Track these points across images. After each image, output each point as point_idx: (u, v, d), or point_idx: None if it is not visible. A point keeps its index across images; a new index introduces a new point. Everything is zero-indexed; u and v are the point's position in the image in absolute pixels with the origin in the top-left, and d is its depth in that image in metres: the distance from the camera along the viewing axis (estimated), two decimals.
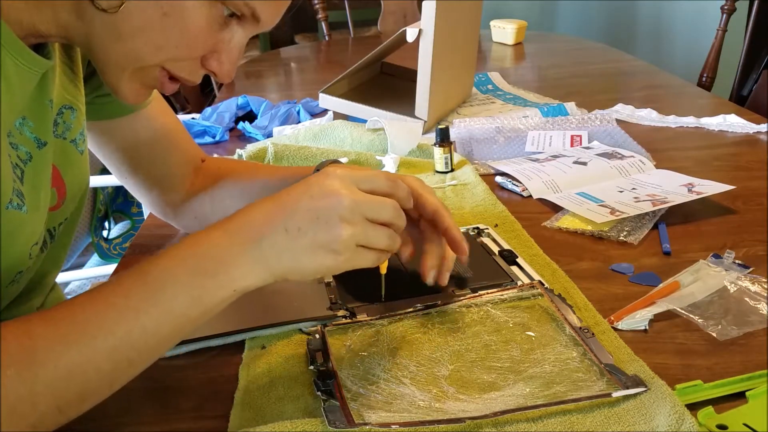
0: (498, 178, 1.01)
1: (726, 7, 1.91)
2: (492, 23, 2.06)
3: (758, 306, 0.66)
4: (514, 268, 0.74)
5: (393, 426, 0.51)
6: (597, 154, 1.05)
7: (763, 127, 1.17)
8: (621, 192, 0.93)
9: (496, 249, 0.78)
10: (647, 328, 0.64)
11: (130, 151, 0.79)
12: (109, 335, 0.48)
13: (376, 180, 0.56)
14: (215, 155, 1.15)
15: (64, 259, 0.75)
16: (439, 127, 1.04)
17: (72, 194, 0.68)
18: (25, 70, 0.56)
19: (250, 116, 1.39)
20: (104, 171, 1.87)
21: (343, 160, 1.04)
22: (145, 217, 0.99)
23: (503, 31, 2.03)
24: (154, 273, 0.51)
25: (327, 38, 2.46)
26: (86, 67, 0.71)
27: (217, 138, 1.27)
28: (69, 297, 0.94)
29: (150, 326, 0.49)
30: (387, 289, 0.69)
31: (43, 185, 0.61)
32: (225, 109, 1.37)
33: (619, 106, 1.33)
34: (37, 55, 0.57)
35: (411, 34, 1.19)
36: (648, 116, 1.28)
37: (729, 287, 0.69)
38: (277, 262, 0.52)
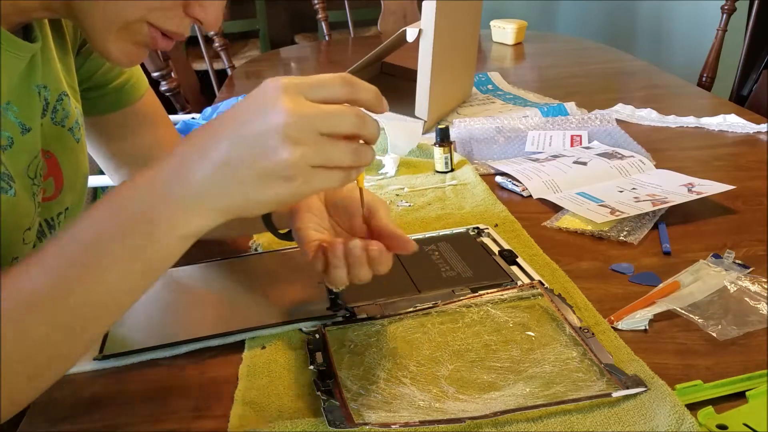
0: (498, 178, 1.01)
1: (726, 7, 1.91)
2: (492, 23, 2.06)
3: (758, 306, 0.66)
4: (514, 268, 0.74)
5: (393, 426, 0.51)
6: (597, 154, 1.05)
7: (763, 127, 1.17)
8: (621, 192, 0.93)
9: (496, 249, 0.78)
10: (647, 328, 0.64)
11: (117, 146, 0.78)
12: (58, 309, 0.46)
13: (329, 85, 0.48)
14: None
15: None
16: (439, 127, 1.04)
17: (70, 183, 0.67)
18: (9, 55, 0.55)
19: None
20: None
21: None
22: None
23: (503, 31, 2.03)
24: (87, 237, 0.47)
25: (327, 38, 2.46)
26: (77, 56, 0.70)
27: None
28: None
29: (96, 295, 0.47)
30: (387, 286, 0.70)
31: (23, 171, 0.60)
32: (225, 108, 1.36)
33: (619, 106, 1.33)
34: (22, 40, 0.56)
35: (411, 34, 1.19)
36: (648, 116, 1.28)
37: (729, 287, 0.69)
38: (222, 199, 0.47)
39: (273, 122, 0.45)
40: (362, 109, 0.49)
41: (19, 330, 0.45)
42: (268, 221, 0.64)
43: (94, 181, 1.55)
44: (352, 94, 0.49)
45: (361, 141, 0.49)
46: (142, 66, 1.77)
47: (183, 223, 0.47)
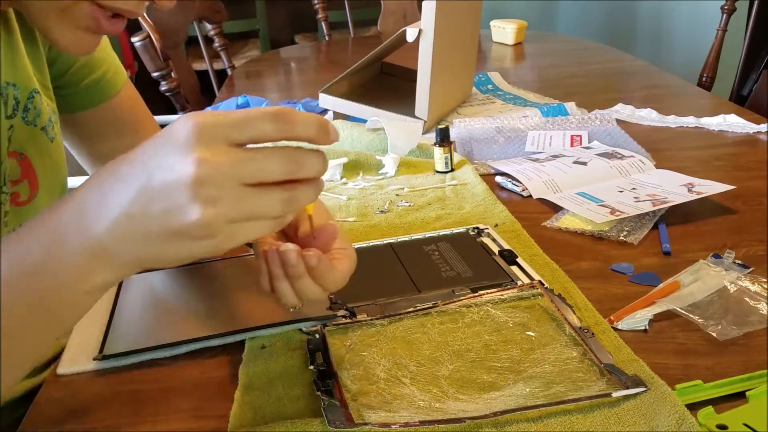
0: (498, 178, 1.01)
1: (726, 7, 1.91)
2: (492, 23, 2.06)
3: (758, 306, 0.66)
4: (514, 268, 0.74)
5: (393, 426, 0.51)
6: (597, 154, 1.05)
7: (763, 127, 1.17)
8: (621, 192, 0.93)
9: (496, 249, 0.78)
10: (647, 328, 0.64)
11: (98, 147, 0.75)
12: None
13: (257, 123, 0.40)
14: None
15: None
16: (439, 127, 1.04)
17: (46, 186, 0.64)
18: None
19: None
20: None
21: (343, 159, 1.04)
22: None
23: (503, 31, 2.03)
24: None
25: (327, 38, 2.46)
26: (49, 51, 0.68)
27: None
28: None
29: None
30: (387, 286, 0.70)
31: None
32: (225, 108, 1.37)
33: (619, 106, 1.33)
34: None
35: (411, 34, 1.19)
36: (648, 116, 1.28)
37: (729, 287, 0.69)
38: (127, 253, 0.41)
39: (181, 175, 0.38)
40: (302, 144, 0.43)
41: None
42: None
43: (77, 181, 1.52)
44: (286, 131, 0.41)
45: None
46: (140, 65, 1.75)
47: (85, 277, 0.42)
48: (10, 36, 0.59)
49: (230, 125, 0.40)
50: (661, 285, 0.70)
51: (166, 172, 0.39)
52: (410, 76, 1.30)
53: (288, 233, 0.58)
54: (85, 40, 0.52)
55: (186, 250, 0.41)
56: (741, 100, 1.83)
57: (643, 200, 0.88)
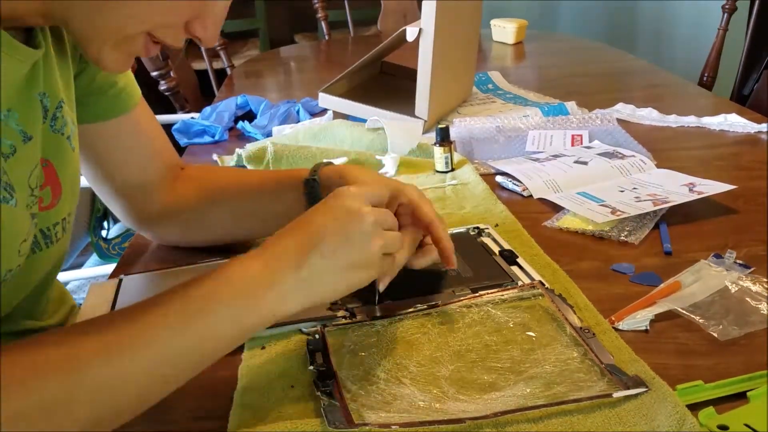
0: (498, 178, 1.00)
1: (727, 7, 1.91)
2: (492, 22, 2.06)
3: (759, 306, 0.66)
4: (515, 268, 0.74)
5: (393, 426, 0.51)
6: (598, 154, 1.05)
7: (764, 127, 1.17)
8: (622, 192, 0.92)
9: (496, 249, 0.78)
10: (648, 328, 0.64)
11: (109, 155, 0.76)
12: (147, 351, 0.48)
13: (380, 195, 0.61)
14: (214, 155, 1.15)
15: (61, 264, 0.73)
16: (440, 126, 1.03)
17: (67, 193, 0.67)
18: (11, 60, 0.55)
19: (250, 116, 1.39)
20: None
21: (343, 159, 1.04)
22: None
23: (503, 31, 2.03)
24: (195, 294, 0.51)
25: (327, 38, 2.46)
26: (78, 63, 0.69)
27: (217, 137, 1.27)
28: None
29: (188, 345, 0.50)
30: (387, 286, 0.69)
31: (24, 181, 0.59)
32: (224, 108, 1.36)
33: (620, 106, 1.33)
34: (25, 45, 0.56)
35: (411, 33, 1.19)
36: (649, 116, 1.28)
37: (730, 287, 0.69)
38: (318, 285, 0.54)
39: (358, 223, 0.56)
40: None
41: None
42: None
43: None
44: (392, 198, 0.63)
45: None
46: (139, 65, 1.75)
47: (284, 304, 0.53)
48: (46, 48, 0.62)
49: (369, 195, 0.59)
50: (662, 285, 0.70)
51: (346, 222, 0.56)
52: (410, 75, 1.30)
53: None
54: (126, 61, 0.59)
55: (356, 279, 0.56)
56: (742, 100, 1.83)
57: (644, 200, 0.88)
